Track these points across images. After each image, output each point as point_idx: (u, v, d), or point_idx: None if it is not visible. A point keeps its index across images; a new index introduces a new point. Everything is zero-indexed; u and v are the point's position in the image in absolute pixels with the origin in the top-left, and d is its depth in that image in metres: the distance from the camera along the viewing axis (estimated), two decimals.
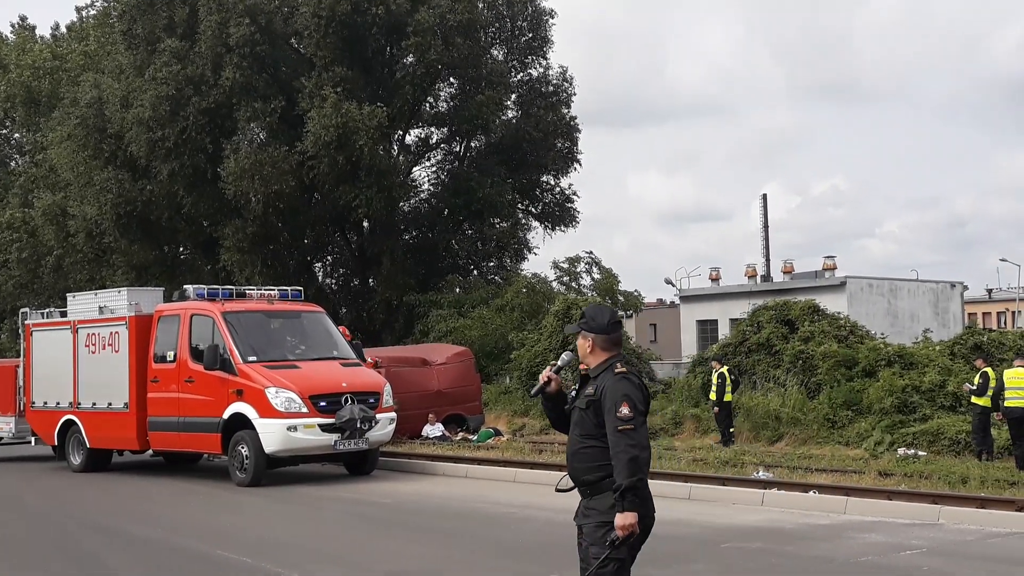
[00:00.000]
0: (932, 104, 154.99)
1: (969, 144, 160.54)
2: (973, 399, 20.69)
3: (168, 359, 19.79)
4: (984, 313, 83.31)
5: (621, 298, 45.71)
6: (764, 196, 68.99)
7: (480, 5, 44.55)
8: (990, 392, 20.45)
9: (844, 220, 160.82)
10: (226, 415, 18.43)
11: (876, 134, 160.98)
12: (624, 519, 5.90)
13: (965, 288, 57.47)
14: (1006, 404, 19.60)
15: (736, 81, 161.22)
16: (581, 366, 6.39)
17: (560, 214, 47.91)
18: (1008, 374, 19.80)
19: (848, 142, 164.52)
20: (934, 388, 24.12)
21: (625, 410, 5.99)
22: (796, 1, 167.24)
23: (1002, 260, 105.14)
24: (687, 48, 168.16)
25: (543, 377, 6.36)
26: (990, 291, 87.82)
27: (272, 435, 17.84)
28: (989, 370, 20.86)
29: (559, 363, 6.46)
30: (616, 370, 6.15)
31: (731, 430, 24.85)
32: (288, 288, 21.21)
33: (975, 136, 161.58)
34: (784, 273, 56.16)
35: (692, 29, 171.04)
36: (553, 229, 48.14)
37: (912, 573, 10.34)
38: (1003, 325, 78.33)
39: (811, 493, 15.35)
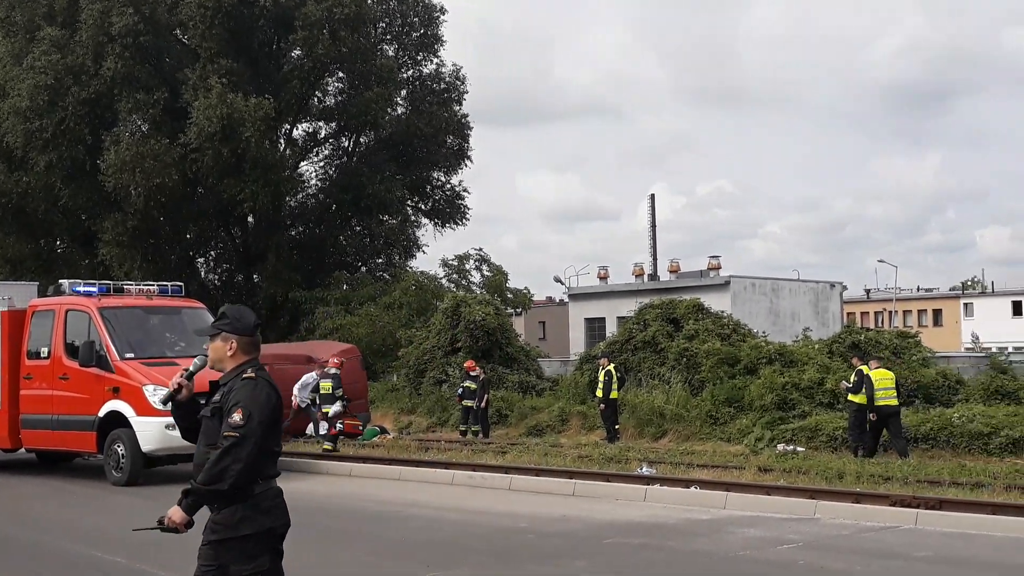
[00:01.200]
0: (813, 110, 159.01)
1: (848, 149, 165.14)
2: (849, 396, 21.18)
3: (42, 355, 19.16)
4: (862, 313, 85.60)
5: (510, 295, 45.86)
6: (652, 196, 69.97)
7: (369, 0, 44.23)
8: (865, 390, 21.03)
9: (728, 221, 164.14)
10: (102, 413, 17.93)
11: (759, 138, 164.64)
12: (173, 513, 5.65)
13: (844, 288, 58.98)
14: (877, 404, 20.35)
15: (623, 84, 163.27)
16: (210, 370, 5.97)
17: (450, 211, 47.85)
18: (875, 375, 20.58)
19: (732, 145, 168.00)
20: (813, 386, 24.63)
21: (237, 417, 5.54)
22: (682, 7, 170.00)
23: (880, 261, 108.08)
24: (575, 50, 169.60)
25: (173, 384, 5.99)
26: (868, 291, 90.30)
27: (149, 433, 17.40)
28: (865, 368, 21.39)
29: (191, 368, 6.04)
30: (245, 375, 5.75)
31: (616, 427, 25.04)
32: (168, 284, 20.72)
33: (854, 141, 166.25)
34: (670, 272, 56.97)
35: (580, 32, 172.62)
36: (443, 226, 48.07)
37: (789, 567, 10.50)
38: (880, 324, 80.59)
39: (693, 488, 15.53)
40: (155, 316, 19.65)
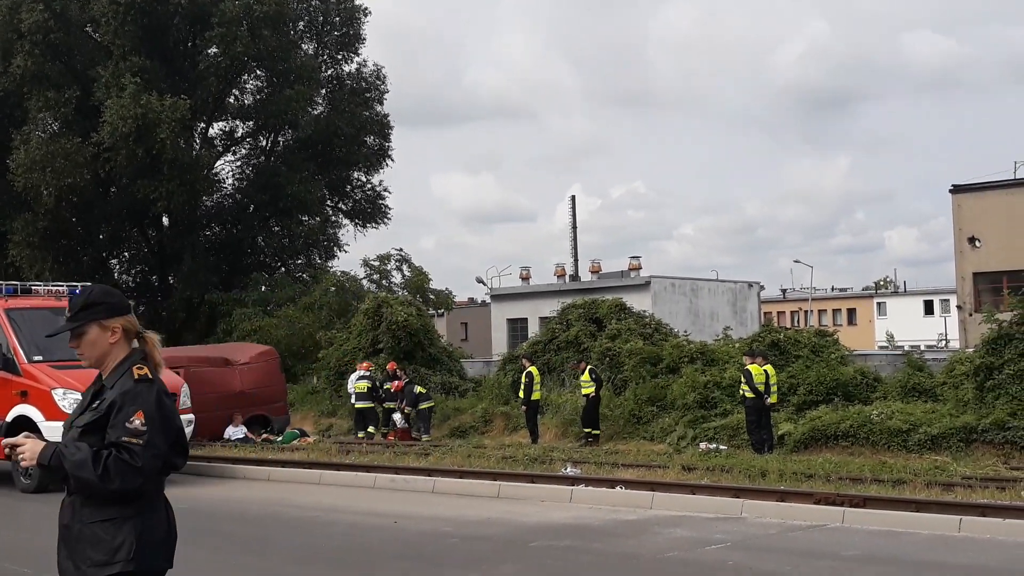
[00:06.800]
0: (721, 113, 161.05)
1: (757, 152, 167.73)
2: (747, 395, 21.29)
3: None
4: (779, 312, 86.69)
5: (432, 296, 45.50)
6: (573, 198, 69.97)
7: None
8: (773, 388, 21.24)
9: (643, 222, 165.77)
10: (9, 418, 17.31)
11: (670, 141, 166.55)
12: None
13: (762, 288, 59.60)
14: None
15: (535, 86, 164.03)
16: None
17: (371, 211, 47.41)
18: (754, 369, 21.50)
19: (644, 148, 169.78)
20: (734, 384, 24.67)
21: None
22: (592, 12, 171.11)
23: (796, 262, 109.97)
24: (487, 52, 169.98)
25: None
26: (784, 291, 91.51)
27: (59, 438, 16.77)
28: (753, 367, 21.47)
29: None
30: None
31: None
32: (78, 284, 20.07)
33: (761, 144, 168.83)
34: (592, 273, 57.06)
35: (491, 34, 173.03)
36: (364, 226, 47.62)
37: (718, 568, 10.37)
38: (796, 324, 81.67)
39: (618, 489, 15.39)
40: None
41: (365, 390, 26.83)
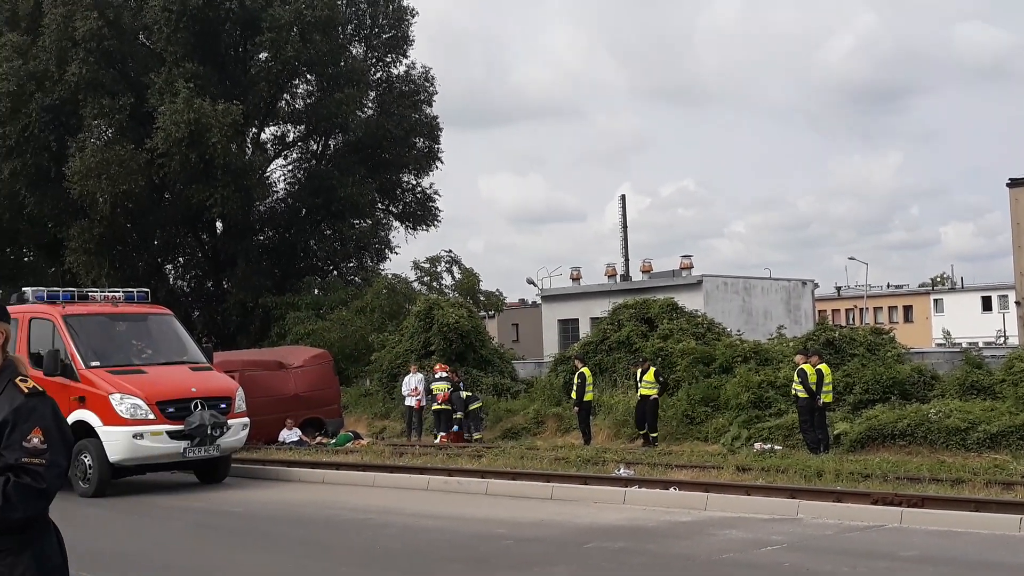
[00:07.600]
0: (770, 108, 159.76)
1: (806, 147, 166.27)
2: (800, 395, 21.06)
3: None
4: (833, 310, 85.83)
5: (482, 297, 45.57)
6: (623, 197, 69.93)
7: (339, 1, 43.88)
8: (828, 387, 21.02)
9: (693, 220, 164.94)
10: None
11: (718, 137, 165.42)
12: None
13: (816, 286, 59.05)
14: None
15: (580, 84, 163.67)
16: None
17: (422, 213, 47.56)
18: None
19: (692, 144, 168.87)
20: (788, 383, 24.44)
21: None
22: (637, 6, 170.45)
23: (851, 259, 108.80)
24: (531, 50, 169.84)
25: None
26: (839, 289, 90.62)
27: (117, 443, 17.03)
28: (807, 366, 21.22)
29: None
30: None
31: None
32: (134, 290, 20.34)
33: (811, 139, 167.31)
34: (643, 272, 56.86)
35: (535, 32, 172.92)
36: (415, 229, 47.75)
37: (774, 570, 10.27)
38: (852, 322, 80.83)
39: (672, 490, 15.30)
40: (121, 323, 19.26)
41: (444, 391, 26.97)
